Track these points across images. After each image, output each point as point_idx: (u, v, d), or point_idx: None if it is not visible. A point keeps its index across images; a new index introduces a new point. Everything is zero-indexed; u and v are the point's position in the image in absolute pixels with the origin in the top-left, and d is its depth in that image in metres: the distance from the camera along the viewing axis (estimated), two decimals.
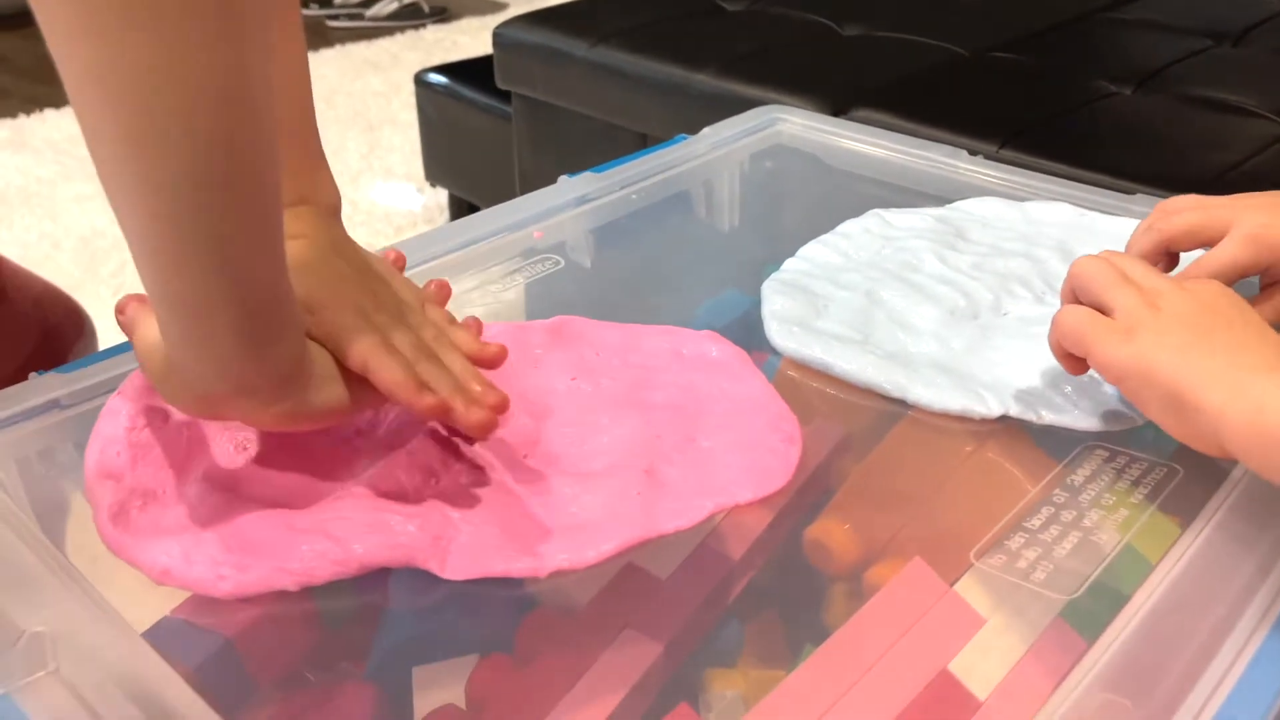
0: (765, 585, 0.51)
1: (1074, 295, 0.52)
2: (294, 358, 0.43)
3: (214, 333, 0.39)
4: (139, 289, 0.41)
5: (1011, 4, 1.49)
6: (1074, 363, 0.51)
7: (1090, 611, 0.45)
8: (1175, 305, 0.47)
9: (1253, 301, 0.52)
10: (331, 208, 0.55)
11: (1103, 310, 0.49)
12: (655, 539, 0.48)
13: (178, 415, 0.48)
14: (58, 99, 2.49)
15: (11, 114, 2.50)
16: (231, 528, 0.45)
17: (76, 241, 1.93)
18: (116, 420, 0.48)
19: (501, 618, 0.49)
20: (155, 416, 0.48)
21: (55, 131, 2.38)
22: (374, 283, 0.51)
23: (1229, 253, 0.52)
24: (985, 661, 0.44)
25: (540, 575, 0.45)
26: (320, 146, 0.54)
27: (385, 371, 0.46)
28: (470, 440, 0.51)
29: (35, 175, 2.19)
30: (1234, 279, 0.53)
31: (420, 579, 0.48)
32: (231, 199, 0.36)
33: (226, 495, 0.46)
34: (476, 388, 0.49)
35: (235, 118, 0.34)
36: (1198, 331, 0.46)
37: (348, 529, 0.45)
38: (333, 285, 0.48)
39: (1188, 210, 0.55)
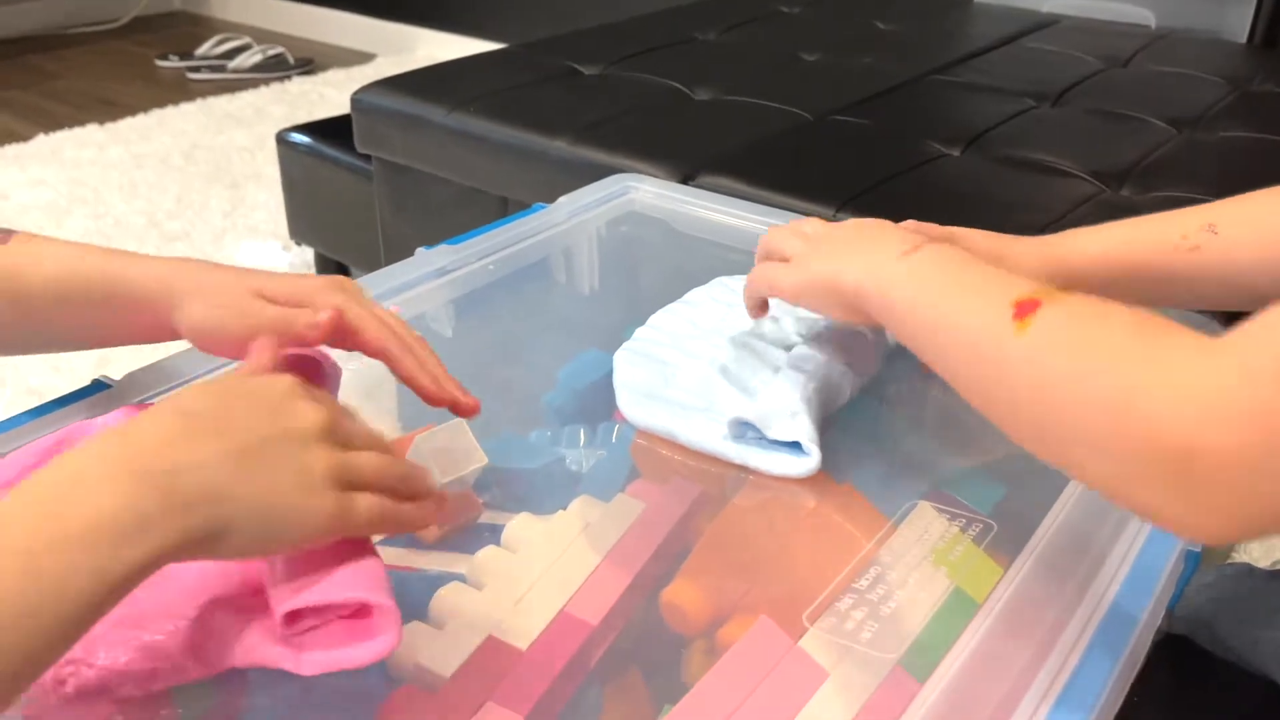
0: (625, 647, 0.53)
1: (764, 258, 0.64)
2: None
3: None
4: None
5: (853, 67, 1.57)
6: (760, 309, 0.65)
7: (924, 657, 0.48)
8: (830, 235, 0.60)
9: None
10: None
11: (782, 259, 0.62)
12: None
13: None
14: None
15: None
16: None
17: None
18: None
19: (365, 698, 0.50)
20: None
21: None
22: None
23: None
24: (829, 713, 0.46)
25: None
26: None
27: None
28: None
29: None
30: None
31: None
32: None
33: None
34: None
35: None
36: (845, 243, 0.58)
37: (199, 632, 0.45)
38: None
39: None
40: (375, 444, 0.47)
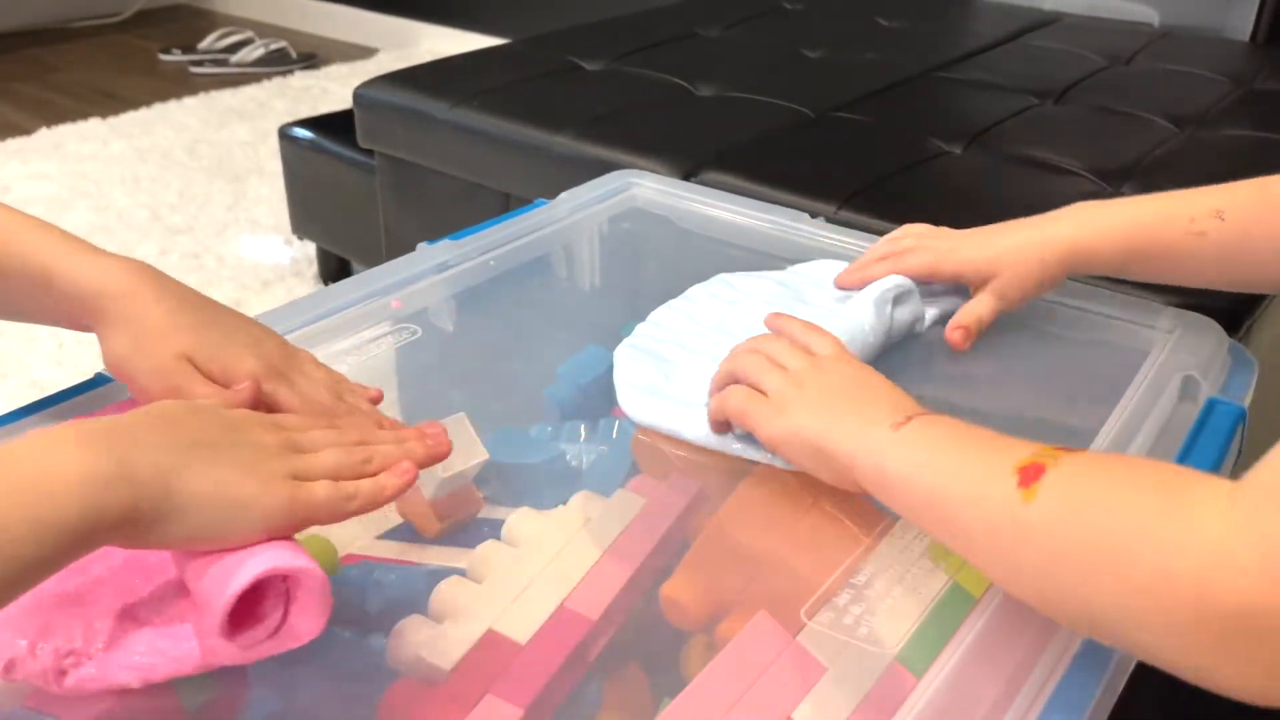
0: (625, 642, 0.53)
1: (733, 378, 0.61)
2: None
3: None
4: None
5: (855, 63, 1.57)
6: (722, 428, 0.61)
7: (921, 651, 0.48)
8: (815, 382, 0.57)
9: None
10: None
11: (759, 390, 0.59)
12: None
13: None
14: None
15: None
16: (79, 619, 0.45)
17: None
18: None
19: (365, 690, 0.50)
20: None
21: None
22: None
23: (985, 308, 0.68)
24: (827, 708, 0.47)
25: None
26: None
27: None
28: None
29: None
30: (985, 327, 0.69)
31: (280, 660, 0.49)
32: None
33: (75, 582, 0.46)
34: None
35: None
36: (832, 400, 0.56)
37: (199, 623, 0.45)
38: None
39: (919, 250, 0.70)
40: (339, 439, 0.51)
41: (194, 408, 0.48)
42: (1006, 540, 0.44)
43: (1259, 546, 0.34)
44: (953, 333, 0.68)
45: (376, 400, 0.60)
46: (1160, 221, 0.64)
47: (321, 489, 0.47)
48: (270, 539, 0.45)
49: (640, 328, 0.72)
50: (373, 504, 0.49)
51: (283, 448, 0.48)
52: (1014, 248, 0.67)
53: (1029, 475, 0.43)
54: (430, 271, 0.79)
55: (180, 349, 0.54)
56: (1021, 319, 0.74)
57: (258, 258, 1.97)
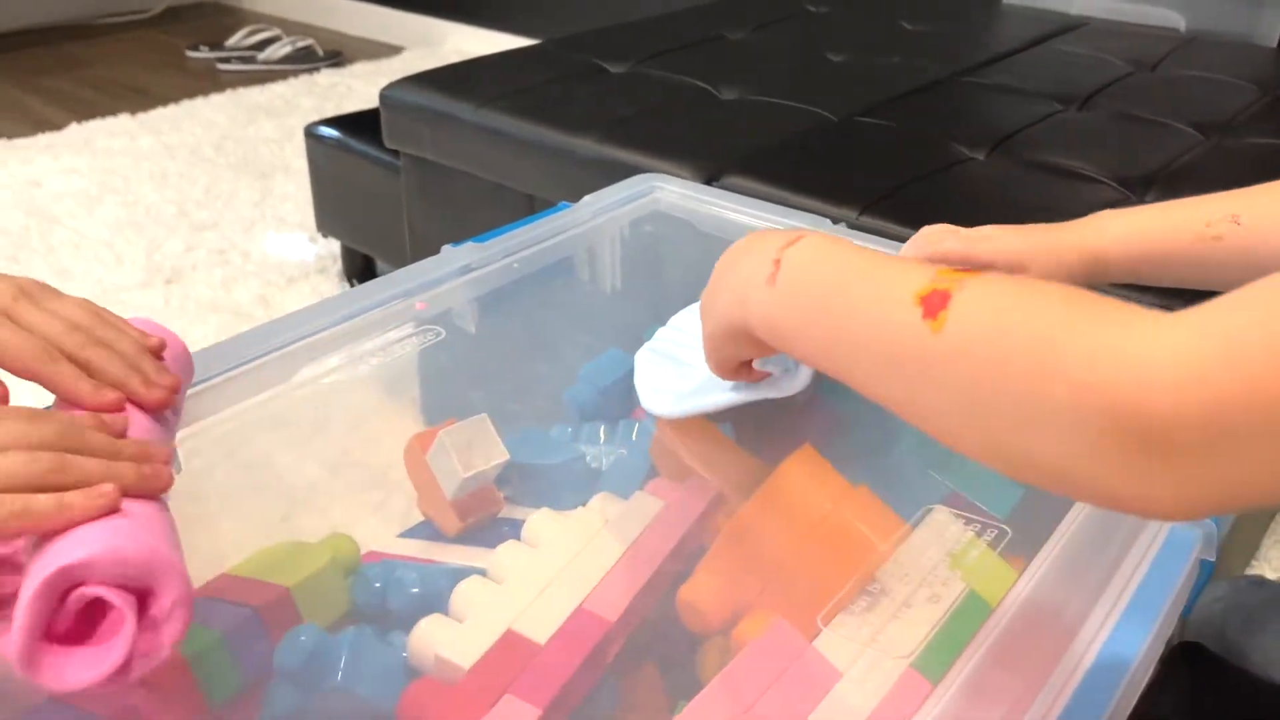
0: (642, 644, 0.54)
1: None
2: None
3: None
4: None
5: (879, 67, 1.57)
6: (743, 371, 0.61)
7: (937, 658, 0.49)
8: (715, 275, 0.57)
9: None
10: None
11: None
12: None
13: None
14: None
15: None
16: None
17: None
18: None
19: (385, 689, 0.51)
20: None
21: None
22: None
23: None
24: (842, 713, 0.47)
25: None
26: None
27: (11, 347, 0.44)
28: None
29: None
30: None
31: (301, 654, 0.50)
32: None
33: None
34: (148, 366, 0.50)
35: None
36: (725, 280, 0.55)
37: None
38: None
39: (951, 237, 0.69)
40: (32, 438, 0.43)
41: None
42: (913, 372, 0.41)
43: (1187, 350, 0.33)
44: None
45: (157, 350, 0.54)
46: (1175, 226, 0.64)
47: None
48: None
49: (661, 331, 0.73)
50: (46, 524, 0.41)
51: None
52: (1044, 246, 0.67)
53: (934, 304, 0.40)
54: (454, 274, 0.80)
55: None
56: None
57: (283, 254, 1.99)
